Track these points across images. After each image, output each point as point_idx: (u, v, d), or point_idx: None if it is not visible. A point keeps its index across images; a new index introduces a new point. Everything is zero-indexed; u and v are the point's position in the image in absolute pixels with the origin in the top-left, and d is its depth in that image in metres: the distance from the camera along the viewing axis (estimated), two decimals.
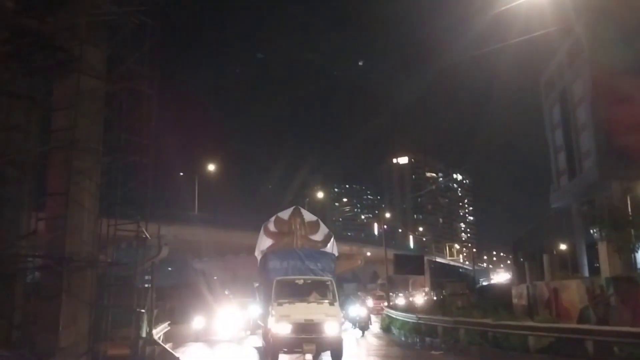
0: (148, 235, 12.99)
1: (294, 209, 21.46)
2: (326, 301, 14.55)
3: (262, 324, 16.72)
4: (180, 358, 12.53)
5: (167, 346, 14.29)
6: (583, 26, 29.94)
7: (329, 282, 15.38)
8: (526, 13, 18.63)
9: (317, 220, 21.67)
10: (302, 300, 14.33)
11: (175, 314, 26.42)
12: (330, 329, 13.52)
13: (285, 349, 14.15)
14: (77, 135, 11.20)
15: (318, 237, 20.48)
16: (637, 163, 30.14)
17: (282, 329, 13.35)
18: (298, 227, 20.44)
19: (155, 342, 11.70)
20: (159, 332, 16.03)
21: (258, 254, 21.33)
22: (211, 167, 49.85)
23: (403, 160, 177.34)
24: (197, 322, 23.51)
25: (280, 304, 13.99)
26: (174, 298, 30.57)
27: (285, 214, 21.11)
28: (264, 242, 20.77)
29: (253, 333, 23.50)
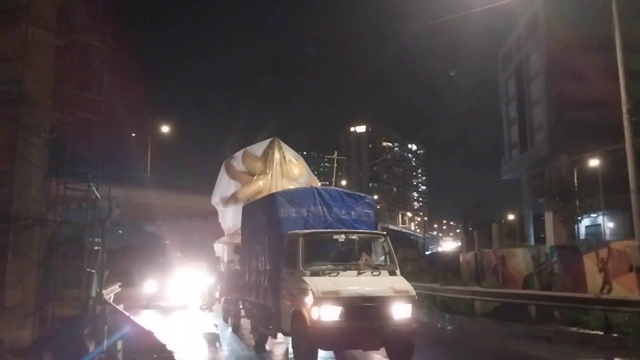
0: (99, 196, 12.67)
1: (270, 141, 16.36)
2: (384, 269, 9.79)
3: (255, 300, 12.01)
4: (130, 317, 12.40)
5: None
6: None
7: (382, 239, 10.38)
8: None
9: (301, 159, 17.01)
10: (348, 268, 9.50)
11: (126, 276, 25.98)
12: (401, 312, 8.98)
13: (330, 347, 9.39)
14: (25, 89, 10.73)
15: (303, 180, 15.97)
16: (585, 138, 31.23)
17: (328, 313, 8.59)
18: (278, 166, 15.60)
19: (105, 302, 11.53)
20: (109, 293, 15.80)
21: (217, 202, 17.28)
22: (165, 129, 49.02)
23: (361, 129, 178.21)
24: (149, 286, 22.38)
25: (315, 274, 9.19)
26: (126, 260, 30.10)
27: (257, 149, 16.34)
28: (227, 186, 16.65)
29: (208, 307, 19.38)
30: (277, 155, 15.68)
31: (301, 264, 9.37)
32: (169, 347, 6.47)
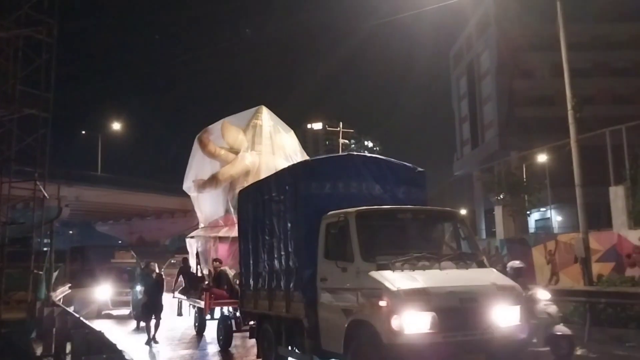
0: (47, 195, 12.30)
1: (256, 110, 13.95)
2: (471, 259, 7.17)
3: (270, 312, 8.79)
4: (81, 318, 12.06)
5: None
6: None
7: (457, 221, 7.89)
8: None
9: (291, 131, 14.85)
10: (424, 258, 6.71)
11: (76, 277, 25.04)
12: (508, 317, 6.42)
13: None
14: None
15: (297, 158, 13.64)
16: (534, 134, 32.18)
17: (414, 322, 5.94)
18: (268, 140, 13.39)
19: (54, 304, 11.21)
20: (58, 295, 15.34)
21: (189, 187, 14.66)
22: (116, 126, 47.91)
23: (317, 126, 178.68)
24: (101, 292, 19.65)
25: (383, 267, 6.44)
26: (76, 261, 29.19)
27: (240, 120, 13.86)
28: (202, 167, 14.20)
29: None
30: (266, 127, 13.29)
31: (360, 254, 6.69)
32: (119, 347, 6.32)
